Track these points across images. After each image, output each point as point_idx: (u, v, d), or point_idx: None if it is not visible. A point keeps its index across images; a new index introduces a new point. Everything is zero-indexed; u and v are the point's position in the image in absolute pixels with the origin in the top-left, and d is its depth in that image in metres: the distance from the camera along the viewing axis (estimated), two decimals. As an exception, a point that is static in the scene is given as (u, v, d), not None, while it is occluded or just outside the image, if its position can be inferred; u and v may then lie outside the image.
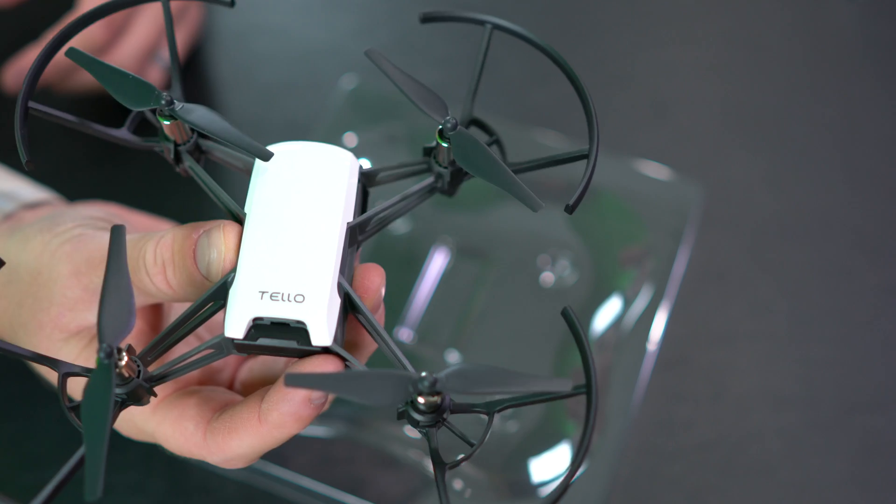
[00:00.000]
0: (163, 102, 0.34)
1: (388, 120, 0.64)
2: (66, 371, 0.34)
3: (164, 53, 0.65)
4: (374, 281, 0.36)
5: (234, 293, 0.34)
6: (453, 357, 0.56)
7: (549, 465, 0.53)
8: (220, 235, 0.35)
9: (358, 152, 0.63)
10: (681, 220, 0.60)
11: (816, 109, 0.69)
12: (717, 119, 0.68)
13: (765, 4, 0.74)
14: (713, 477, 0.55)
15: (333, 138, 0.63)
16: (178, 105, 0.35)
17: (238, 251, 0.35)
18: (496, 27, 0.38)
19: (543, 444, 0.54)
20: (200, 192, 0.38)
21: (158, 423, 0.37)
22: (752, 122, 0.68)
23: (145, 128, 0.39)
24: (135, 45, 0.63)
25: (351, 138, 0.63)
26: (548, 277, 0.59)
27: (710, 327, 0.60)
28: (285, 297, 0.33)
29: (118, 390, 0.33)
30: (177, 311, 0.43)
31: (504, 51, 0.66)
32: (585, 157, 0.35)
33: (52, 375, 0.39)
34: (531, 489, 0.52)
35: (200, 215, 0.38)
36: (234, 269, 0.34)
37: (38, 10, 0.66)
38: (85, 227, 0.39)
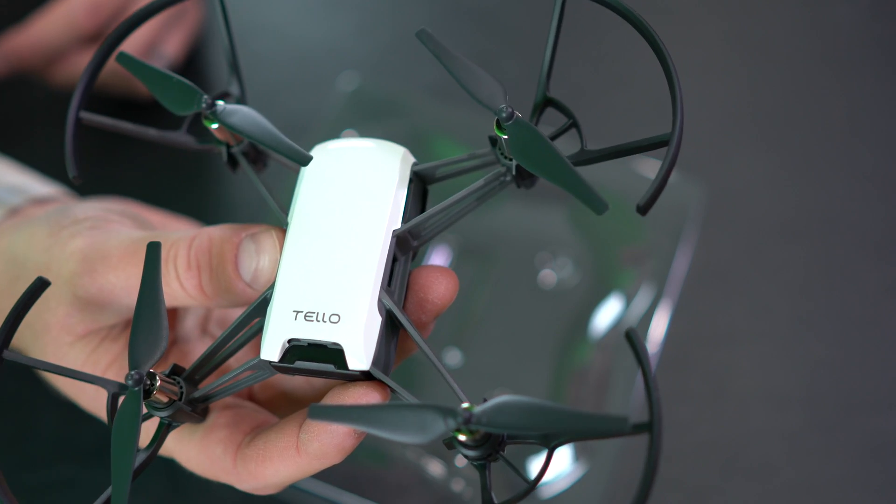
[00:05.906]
0: (203, 106, 0.32)
1: (389, 118, 0.64)
2: (116, 391, 0.31)
3: (165, 50, 0.65)
4: (436, 291, 0.33)
5: (270, 311, 0.32)
6: (454, 356, 0.56)
7: (549, 465, 0.53)
8: (274, 242, 0.33)
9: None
10: (681, 220, 0.60)
11: (817, 109, 0.69)
12: (718, 119, 0.68)
13: (766, 4, 0.74)
14: (713, 477, 0.55)
15: (333, 137, 0.62)
16: (220, 107, 0.32)
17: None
18: None
19: (544, 443, 0.54)
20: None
21: (180, 440, 0.35)
22: (752, 122, 0.68)
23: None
24: (133, 41, 0.62)
25: (351, 136, 0.63)
26: (548, 277, 0.59)
27: (710, 327, 0.60)
28: (320, 318, 0.31)
29: (163, 413, 0.32)
30: (192, 315, 0.40)
31: (501, 47, 0.66)
32: (666, 143, 0.31)
33: (58, 381, 0.38)
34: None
35: (218, 215, 0.36)
36: (273, 284, 0.32)
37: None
38: (99, 220, 0.36)
